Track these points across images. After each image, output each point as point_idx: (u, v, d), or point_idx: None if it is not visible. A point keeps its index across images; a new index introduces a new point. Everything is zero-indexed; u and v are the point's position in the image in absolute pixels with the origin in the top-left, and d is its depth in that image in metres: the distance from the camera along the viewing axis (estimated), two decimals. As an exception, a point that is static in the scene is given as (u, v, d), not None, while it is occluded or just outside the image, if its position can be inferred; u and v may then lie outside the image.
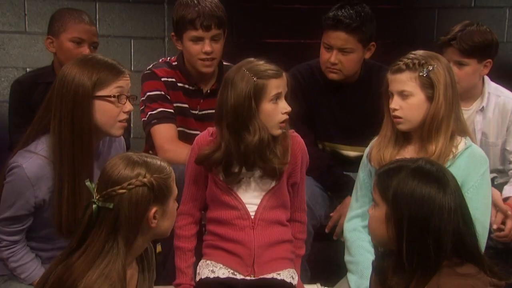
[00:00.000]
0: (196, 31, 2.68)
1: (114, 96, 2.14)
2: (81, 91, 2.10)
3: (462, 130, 2.30)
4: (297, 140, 2.27)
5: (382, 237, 1.83)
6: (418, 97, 2.23)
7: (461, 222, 1.78)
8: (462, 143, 2.28)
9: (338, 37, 2.72)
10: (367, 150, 2.44)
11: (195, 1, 2.69)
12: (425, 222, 1.74)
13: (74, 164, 2.13)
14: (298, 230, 2.34)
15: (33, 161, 2.14)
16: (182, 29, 2.71)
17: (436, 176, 1.79)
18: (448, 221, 1.75)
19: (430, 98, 2.23)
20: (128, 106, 2.19)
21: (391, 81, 2.27)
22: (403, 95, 2.24)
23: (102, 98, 2.13)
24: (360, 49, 2.75)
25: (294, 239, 2.32)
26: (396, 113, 2.25)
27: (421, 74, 2.21)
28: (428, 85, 2.22)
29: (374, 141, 2.40)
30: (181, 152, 2.64)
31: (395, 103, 2.25)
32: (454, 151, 2.25)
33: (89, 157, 2.16)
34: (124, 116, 2.19)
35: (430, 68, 2.21)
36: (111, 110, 2.15)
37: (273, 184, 2.23)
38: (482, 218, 2.26)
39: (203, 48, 2.69)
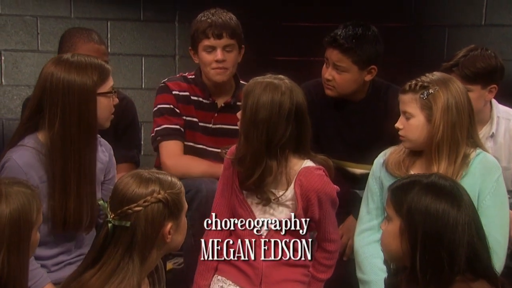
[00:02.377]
0: (208, 39, 2.75)
1: (110, 92, 2.28)
2: (86, 90, 2.21)
3: (474, 144, 2.33)
4: (311, 178, 2.20)
5: (395, 252, 1.83)
6: (418, 119, 2.29)
7: (475, 237, 1.78)
8: (473, 153, 2.32)
9: (332, 53, 2.76)
10: (379, 159, 2.45)
11: (209, 15, 2.78)
12: (439, 237, 1.74)
13: (80, 156, 2.21)
14: (322, 256, 2.30)
15: (22, 152, 2.21)
16: (196, 40, 2.79)
17: (450, 191, 1.80)
18: (462, 236, 1.75)
19: (430, 121, 2.27)
20: (116, 99, 2.34)
21: (399, 100, 2.34)
22: (406, 115, 2.31)
23: (102, 94, 2.25)
24: (355, 70, 2.76)
25: (317, 263, 2.30)
26: (400, 132, 2.33)
27: (421, 96, 2.27)
28: (427, 107, 2.27)
29: (388, 151, 2.43)
30: (182, 164, 2.68)
31: (399, 122, 2.33)
32: (467, 161, 2.29)
33: (94, 148, 2.27)
34: (113, 109, 2.34)
35: (431, 91, 2.26)
36: (108, 105, 2.29)
37: (290, 215, 2.22)
38: (502, 223, 2.28)
39: (215, 56, 2.74)
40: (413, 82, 2.30)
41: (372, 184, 2.45)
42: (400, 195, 1.82)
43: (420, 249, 1.75)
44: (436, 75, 2.32)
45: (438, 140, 2.25)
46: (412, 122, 2.29)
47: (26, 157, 2.20)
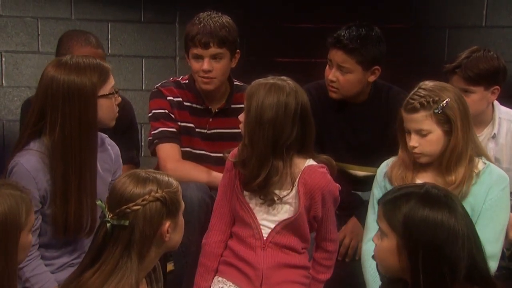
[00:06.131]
0: (196, 48, 2.71)
1: (112, 94, 2.29)
2: (86, 93, 2.22)
3: (477, 151, 2.34)
4: (315, 176, 2.20)
5: (393, 268, 1.80)
6: (436, 133, 2.27)
7: (474, 248, 1.76)
8: (480, 163, 2.34)
9: (336, 54, 2.76)
10: (381, 170, 2.45)
11: (201, 19, 2.73)
12: (440, 250, 1.72)
13: (80, 161, 2.22)
14: (322, 257, 2.31)
15: (29, 156, 2.22)
16: (187, 46, 2.76)
17: (445, 201, 1.77)
18: (462, 248, 1.73)
19: (447, 132, 2.27)
20: (118, 99, 2.34)
21: (406, 119, 2.30)
22: (421, 133, 2.28)
23: (103, 96, 2.26)
24: (359, 71, 2.75)
25: (317, 264, 2.30)
26: (416, 150, 2.30)
27: (436, 111, 2.24)
28: (444, 121, 2.26)
29: (389, 161, 2.43)
30: (182, 169, 2.67)
31: (414, 141, 2.29)
32: (476, 171, 2.31)
33: (94, 152, 2.28)
34: (117, 109, 2.35)
35: (444, 104, 2.24)
36: (111, 106, 2.30)
37: (291, 214, 2.21)
38: (496, 229, 2.30)
39: (202, 66, 2.71)
40: (421, 99, 2.25)
41: (377, 193, 2.44)
42: (395, 210, 1.78)
43: (422, 265, 1.72)
44: (432, 85, 2.29)
45: (461, 149, 2.25)
46: (430, 138, 2.27)
47: (33, 161, 2.21)
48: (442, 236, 1.72)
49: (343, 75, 2.76)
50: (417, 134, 2.28)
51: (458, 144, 2.25)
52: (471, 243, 1.75)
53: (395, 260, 1.77)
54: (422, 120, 2.26)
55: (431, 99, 2.24)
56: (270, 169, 2.14)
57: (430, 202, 1.75)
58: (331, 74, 2.78)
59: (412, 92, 2.30)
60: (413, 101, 2.26)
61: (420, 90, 2.28)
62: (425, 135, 2.27)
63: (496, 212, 2.31)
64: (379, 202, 1.86)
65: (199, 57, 2.72)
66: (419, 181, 2.33)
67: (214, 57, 2.71)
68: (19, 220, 1.80)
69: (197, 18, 2.74)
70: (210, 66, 2.71)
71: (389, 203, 1.80)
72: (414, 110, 2.26)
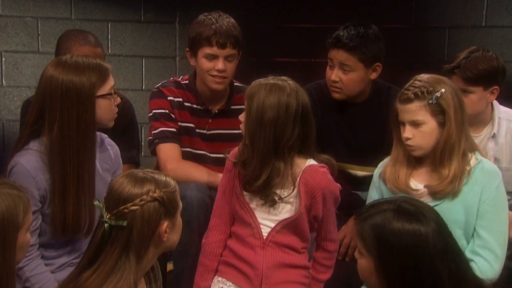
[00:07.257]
0: (211, 48, 2.70)
1: (111, 94, 2.28)
2: (84, 93, 2.22)
3: (471, 147, 2.34)
4: (316, 175, 2.20)
5: (375, 285, 1.82)
6: (430, 125, 2.27)
7: (453, 264, 1.76)
8: (473, 158, 2.33)
9: (337, 54, 2.76)
10: (378, 170, 2.45)
11: (213, 20, 2.72)
12: (416, 272, 1.73)
13: (78, 160, 2.22)
14: (322, 256, 2.31)
15: (29, 155, 2.23)
16: (197, 45, 2.74)
17: (416, 218, 1.78)
18: (441, 267, 1.74)
19: (441, 124, 2.26)
20: (118, 99, 2.35)
21: (401, 110, 2.30)
22: (415, 124, 2.27)
23: (102, 96, 2.26)
24: (361, 69, 2.76)
25: (318, 264, 2.31)
26: (409, 142, 2.29)
27: (430, 101, 2.24)
28: (438, 111, 2.25)
29: (385, 161, 2.43)
30: (182, 169, 2.67)
31: (408, 132, 2.28)
32: (468, 168, 2.30)
33: (93, 152, 2.28)
34: (116, 109, 2.35)
35: (438, 94, 2.24)
36: (110, 106, 2.30)
37: (292, 214, 2.22)
38: (499, 229, 2.30)
39: (216, 65, 2.71)
40: (415, 89, 2.26)
41: (373, 194, 2.46)
42: (367, 230, 1.79)
43: (400, 285, 1.74)
44: (428, 77, 2.30)
45: (454, 141, 2.25)
46: (424, 129, 2.27)
47: (33, 161, 2.22)
48: (417, 258, 1.73)
49: (345, 74, 2.76)
50: (411, 125, 2.28)
51: (452, 135, 2.25)
52: (448, 258, 1.75)
53: (374, 279, 1.80)
54: (416, 110, 2.26)
55: (426, 89, 2.25)
56: (271, 170, 2.15)
57: (403, 221, 1.77)
58: (333, 74, 2.78)
59: (407, 84, 2.31)
60: (407, 92, 2.27)
61: (415, 82, 2.29)
62: (419, 125, 2.27)
63: (498, 212, 2.31)
64: (354, 219, 1.87)
65: (213, 57, 2.72)
66: (413, 179, 2.34)
67: (227, 57, 2.72)
68: (17, 219, 1.80)
69: (208, 18, 2.73)
70: (225, 66, 2.71)
71: (362, 222, 1.82)
72: (409, 100, 2.27)
